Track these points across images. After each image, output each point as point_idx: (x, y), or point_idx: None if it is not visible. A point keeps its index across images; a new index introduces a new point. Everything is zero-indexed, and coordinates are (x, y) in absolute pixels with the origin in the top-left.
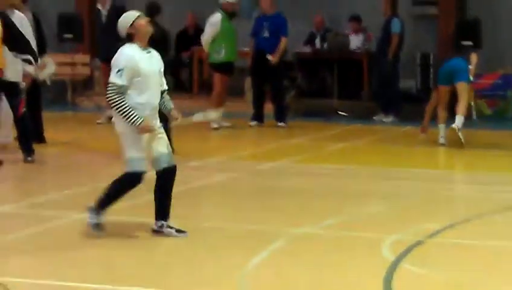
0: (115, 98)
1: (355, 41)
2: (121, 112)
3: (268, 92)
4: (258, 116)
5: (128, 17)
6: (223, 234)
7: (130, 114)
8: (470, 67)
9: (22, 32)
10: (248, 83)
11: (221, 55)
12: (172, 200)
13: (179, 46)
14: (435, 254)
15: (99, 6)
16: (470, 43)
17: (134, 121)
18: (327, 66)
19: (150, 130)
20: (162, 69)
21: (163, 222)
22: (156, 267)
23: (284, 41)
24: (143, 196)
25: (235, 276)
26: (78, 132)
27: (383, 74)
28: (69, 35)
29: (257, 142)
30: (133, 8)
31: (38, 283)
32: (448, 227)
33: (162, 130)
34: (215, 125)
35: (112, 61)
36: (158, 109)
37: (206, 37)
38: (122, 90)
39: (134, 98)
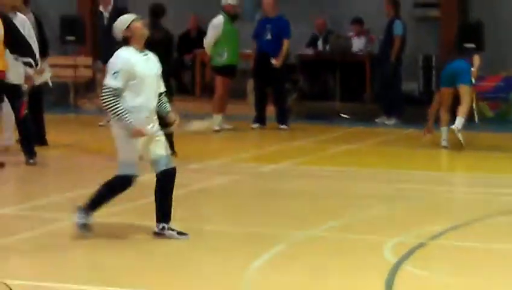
0: (110, 101)
1: (358, 44)
2: (115, 115)
3: (270, 95)
4: (260, 119)
5: (124, 20)
6: (225, 237)
7: (124, 117)
8: (473, 69)
9: (23, 35)
10: (250, 85)
11: (223, 58)
12: (173, 202)
13: (181, 49)
14: (437, 256)
15: (101, 9)
16: (472, 45)
17: (126, 125)
18: (329, 69)
19: (142, 134)
20: (159, 72)
21: (164, 225)
22: (157, 270)
23: (286, 44)
24: (145, 198)
25: (237, 279)
26: (80, 134)
27: (385, 76)
28: (71, 38)
29: (259, 144)
30: (135, 10)
31: (40, 285)
32: (450, 229)
33: (161, 132)
34: (217, 128)
35: (108, 64)
36: (155, 111)
37: (208, 40)
38: (117, 93)
39: (130, 100)
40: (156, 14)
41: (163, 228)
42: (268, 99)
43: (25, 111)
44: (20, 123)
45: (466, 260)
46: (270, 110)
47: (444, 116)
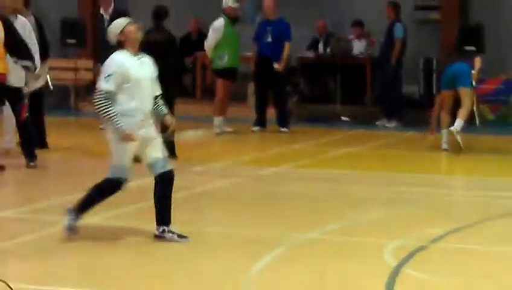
0: (101, 104)
1: (358, 47)
2: (106, 118)
3: (271, 97)
4: (261, 122)
5: (118, 25)
6: (225, 239)
7: (114, 121)
8: (473, 72)
9: (22, 39)
10: (251, 88)
11: (224, 60)
12: (173, 205)
13: (182, 51)
14: (438, 259)
15: (101, 11)
16: (473, 48)
17: (117, 128)
18: (330, 71)
19: (132, 139)
20: (155, 75)
21: (164, 227)
22: (157, 273)
23: (287, 47)
24: (146, 201)
25: (238, 281)
26: (81, 137)
27: (386, 79)
28: (72, 41)
29: (260, 147)
30: (135, 13)
31: (40, 288)
32: (451, 232)
33: (157, 135)
34: (218, 131)
35: (102, 67)
36: (151, 114)
37: (209, 43)
38: (108, 96)
39: (124, 103)
40: (158, 16)
41: (164, 230)
42: (268, 102)
43: (25, 114)
44: (21, 126)
45: (466, 262)
46: (271, 113)
47: (445, 118)
